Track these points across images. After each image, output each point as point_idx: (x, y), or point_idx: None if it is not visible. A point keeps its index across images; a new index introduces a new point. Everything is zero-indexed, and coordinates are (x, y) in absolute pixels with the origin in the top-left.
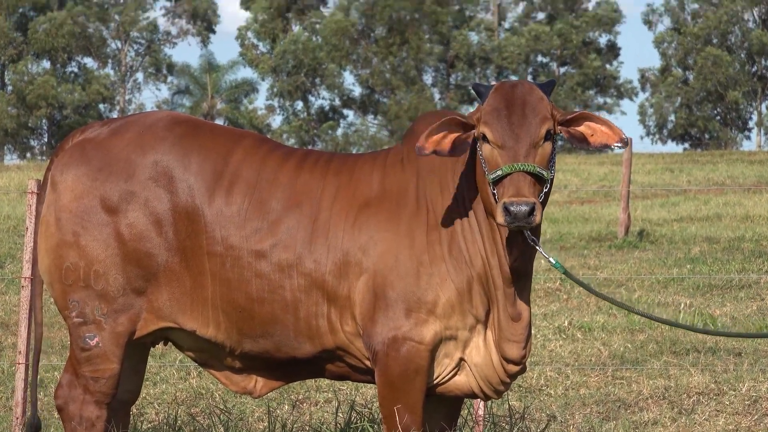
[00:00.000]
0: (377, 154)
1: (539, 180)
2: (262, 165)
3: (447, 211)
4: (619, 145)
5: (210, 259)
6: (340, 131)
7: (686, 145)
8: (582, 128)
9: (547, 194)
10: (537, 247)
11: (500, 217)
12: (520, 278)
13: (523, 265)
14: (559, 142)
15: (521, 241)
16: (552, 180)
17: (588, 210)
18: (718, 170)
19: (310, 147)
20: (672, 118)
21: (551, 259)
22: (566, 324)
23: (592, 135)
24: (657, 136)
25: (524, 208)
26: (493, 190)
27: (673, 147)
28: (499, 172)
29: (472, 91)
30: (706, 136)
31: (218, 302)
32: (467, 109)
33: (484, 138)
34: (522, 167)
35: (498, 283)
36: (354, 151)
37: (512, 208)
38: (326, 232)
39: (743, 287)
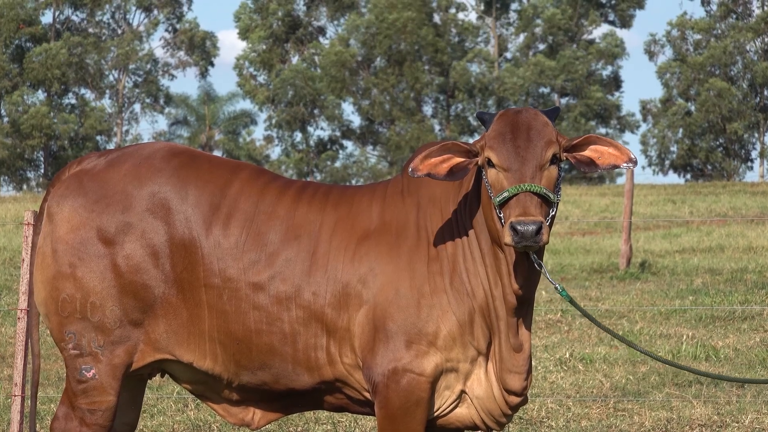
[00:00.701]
0: (377, 185)
1: (546, 202)
2: (260, 197)
3: (448, 242)
4: (628, 165)
5: (207, 291)
6: (339, 162)
7: (688, 176)
8: (588, 152)
9: (553, 218)
10: (542, 271)
11: (507, 237)
12: (523, 306)
13: (527, 292)
14: (563, 172)
15: (527, 267)
16: (557, 204)
17: (589, 241)
18: (721, 201)
19: (308, 178)
20: (674, 149)
21: (557, 285)
22: (567, 355)
23: (599, 158)
24: (659, 167)
25: (532, 228)
26: (500, 213)
27: (675, 178)
28: (506, 194)
29: (476, 121)
30: (709, 167)
31: (215, 334)
32: (467, 140)
33: (490, 163)
34: (528, 188)
35: (501, 313)
36: (353, 183)
37: (519, 227)
38: (325, 264)
39: (746, 319)
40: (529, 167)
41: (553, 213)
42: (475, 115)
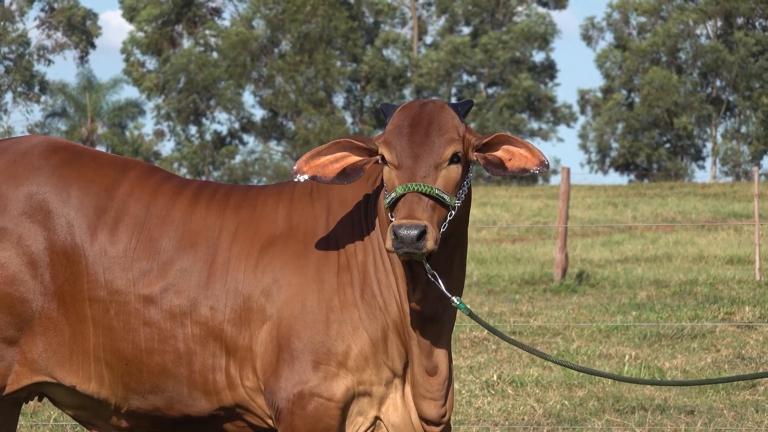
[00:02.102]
0: (283, 185)
1: (441, 204)
2: (152, 199)
3: (359, 249)
4: (539, 169)
5: (92, 305)
6: (239, 159)
7: (631, 176)
8: (500, 153)
9: (459, 224)
10: (436, 282)
11: (388, 242)
12: (435, 324)
13: (431, 307)
14: (471, 173)
15: (424, 278)
16: (467, 209)
17: (520, 249)
18: (668, 204)
19: (205, 178)
20: (615, 145)
21: (454, 299)
22: (495, 378)
23: (510, 159)
24: (598, 165)
25: (413, 232)
26: (392, 217)
27: (616, 178)
28: (393, 194)
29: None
30: (654, 166)
31: (101, 354)
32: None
33: (383, 159)
34: (416, 187)
35: (411, 332)
36: (256, 183)
37: (399, 231)
38: (224, 274)
39: (696, 336)
40: (422, 165)
41: (452, 217)
42: (379, 106)
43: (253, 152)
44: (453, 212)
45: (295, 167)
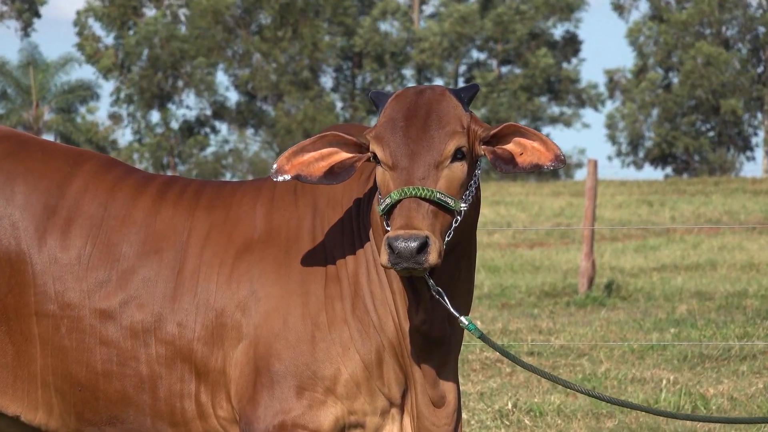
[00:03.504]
0: (262, 182)
1: (444, 210)
2: (110, 197)
3: (349, 257)
4: (553, 164)
5: (40, 322)
6: (210, 150)
7: (669, 170)
8: (510, 146)
9: (465, 232)
10: (442, 300)
11: (383, 257)
12: (440, 348)
13: (437, 329)
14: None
15: (428, 295)
16: (475, 212)
17: (539, 255)
18: (712, 203)
19: (170, 172)
20: (650, 134)
21: (462, 319)
22: (510, 406)
23: (521, 154)
24: (630, 157)
25: (412, 245)
26: (387, 225)
27: (651, 172)
28: (388, 200)
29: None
30: (695, 158)
31: (50, 378)
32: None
33: (375, 158)
34: (415, 191)
35: (413, 356)
36: (230, 178)
37: (396, 244)
38: (194, 285)
39: (745, 358)
40: (421, 165)
41: (457, 224)
42: (369, 95)
43: (227, 142)
44: (459, 218)
45: (275, 165)
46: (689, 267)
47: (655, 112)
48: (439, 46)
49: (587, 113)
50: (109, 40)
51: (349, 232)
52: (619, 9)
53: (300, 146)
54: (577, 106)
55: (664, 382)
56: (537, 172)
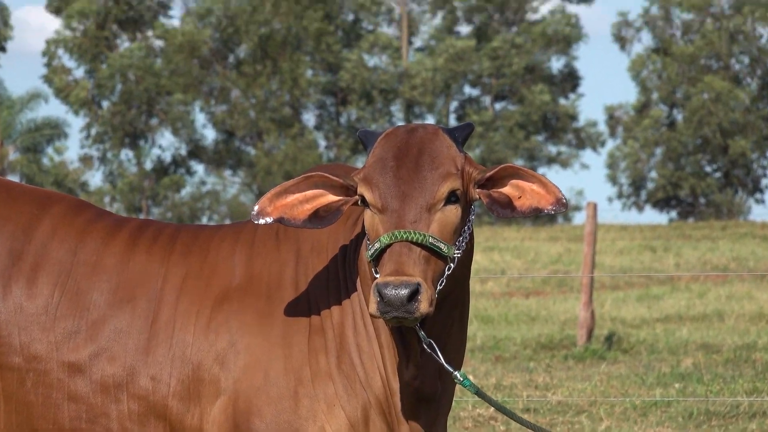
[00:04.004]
0: (241, 226)
1: (437, 256)
2: (80, 241)
3: (335, 308)
4: (555, 208)
5: (3, 375)
6: (186, 192)
7: (673, 213)
8: (507, 189)
9: (458, 280)
10: (434, 354)
11: (372, 305)
12: (428, 405)
13: (428, 384)
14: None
15: (419, 348)
16: (469, 260)
17: (535, 305)
18: (719, 249)
19: (144, 215)
20: (653, 175)
21: (457, 374)
22: None
23: (520, 197)
24: (632, 200)
25: (402, 292)
26: (376, 273)
27: (654, 216)
28: (377, 245)
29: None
30: (702, 200)
31: None
32: (364, 162)
33: (363, 201)
34: (406, 235)
35: (402, 415)
36: (207, 222)
37: (385, 291)
38: (169, 337)
39: (755, 415)
40: (412, 207)
41: (449, 272)
42: (357, 134)
43: (204, 183)
44: (452, 265)
45: (256, 207)
46: (695, 317)
47: (658, 151)
48: (431, 82)
49: (586, 153)
50: (79, 72)
51: (335, 281)
52: (621, 41)
53: (283, 187)
54: (576, 146)
55: None
56: (536, 216)
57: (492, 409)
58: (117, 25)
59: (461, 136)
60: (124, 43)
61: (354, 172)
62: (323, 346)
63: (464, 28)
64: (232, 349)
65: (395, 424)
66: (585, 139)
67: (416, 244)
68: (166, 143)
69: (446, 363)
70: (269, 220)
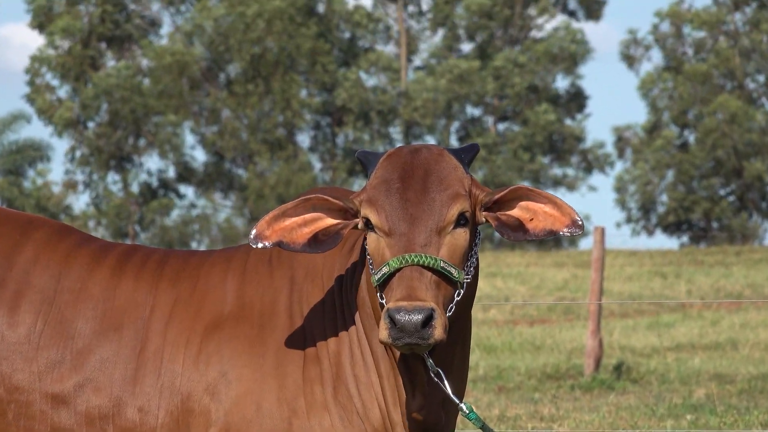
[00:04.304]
0: (233, 251)
1: (447, 281)
2: (64, 268)
3: (330, 336)
4: (570, 231)
5: None
6: (175, 215)
7: (685, 238)
8: (516, 212)
9: (464, 307)
10: (441, 383)
11: (383, 332)
12: None
13: (433, 415)
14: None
15: (425, 377)
16: (474, 285)
17: (540, 333)
18: (733, 275)
19: (131, 241)
20: (663, 198)
21: (463, 406)
22: None
23: (532, 220)
24: (642, 224)
25: (416, 318)
26: (381, 297)
27: (665, 241)
28: (386, 269)
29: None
30: (715, 225)
31: None
32: (361, 185)
33: (368, 224)
34: (417, 259)
35: None
36: (197, 247)
37: (398, 316)
38: (157, 366)
39: None
40: (422, 230)
41: (459, 298)
42: (356, 155)
43: (194, 207)
44: (461, 290)
45: (254, 231)
46: (707, 346)
47: (669, 173)
48: (432, 103)
49: (593, 175)
50: (63, 92)
51: (331, 309)
52: (629, 60)
53: (281, 210)
54: (583, 167)
55: None
56: (549, 239)
57: None
58: (103, 43)
59: (467, 157)
60: (110, 62)
61: (353, 195)
62: (318, 377)
63: (466, 46)
64: (223, 380)
65: None
66: (592, 161)
67: (427, 268)
68: (153, 166)
69: (453, 395)
70: (267, 244)
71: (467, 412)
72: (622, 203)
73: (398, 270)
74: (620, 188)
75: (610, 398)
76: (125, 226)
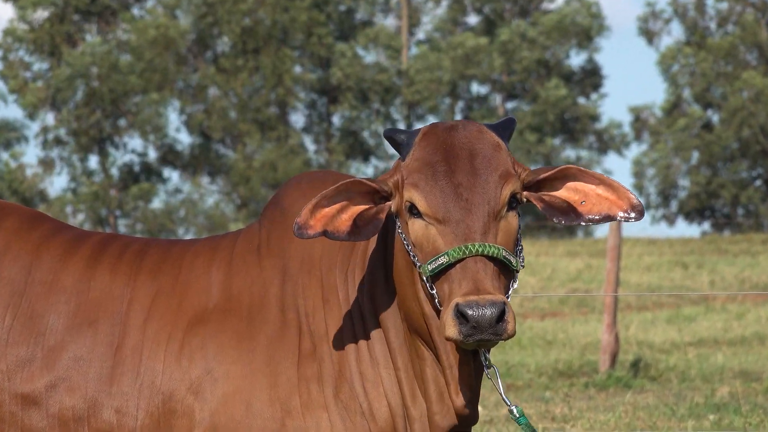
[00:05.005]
0: (219, 239)
1: (505, 270)
2: (35, 259)
3: (332, 331)
4: (628, 215)
5: None
6: (158, 201)
7: (707, 225)
8: (563, 192)
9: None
10: (496, 385)
11: (451, 329)
12: None
13: (471, 412)
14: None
15: (472, 371)
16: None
17: (552, 327)
18: (759, 265)
19: (110, 229)
20: (685, 182)
21: (513, 408)
22: None
23: (583, 203)
24: (661, 211)
25: (490, 312)
26: (431, 288)
27: (686, 229)
28: (444, 259)
29: (375, 138)
30: (740, 211)
31: None
32: (359, 169)
33: (412, 210)
34: (481, 249)
35: None
36: (181, 235)
37: (471, 312)
38: (136, 364)
39: None
40: (479, 217)
41: (514, 287)
42: (383, 134)
43: (178, 192)
44: (516, 280)
45: (299, 220)
46: (732, 341)
47: (693, 156)
48: (437, 83)
49: (609, 158)
50: (38, 69)
51: (333, 302)
52: (648, 35)
53: (317, 200)
54: (599, 150)
55: None
56: (606, 224)
57: None
58: (80, 16)
59: (506, 133)
60: (88, 37)
61: (384, 176)
62: (316, 375)
63: (472, 18)
64: (208, 377)
65: None
66: (608, 141)
67: (491, 258)
68: (136, 147)
69: (503, 395)
70: (314, 234)
71: (517, 415)
72: (639, 188)
73: (458, 261)
74: (638, 172)
75: (627, 397)
76: (104, 213)
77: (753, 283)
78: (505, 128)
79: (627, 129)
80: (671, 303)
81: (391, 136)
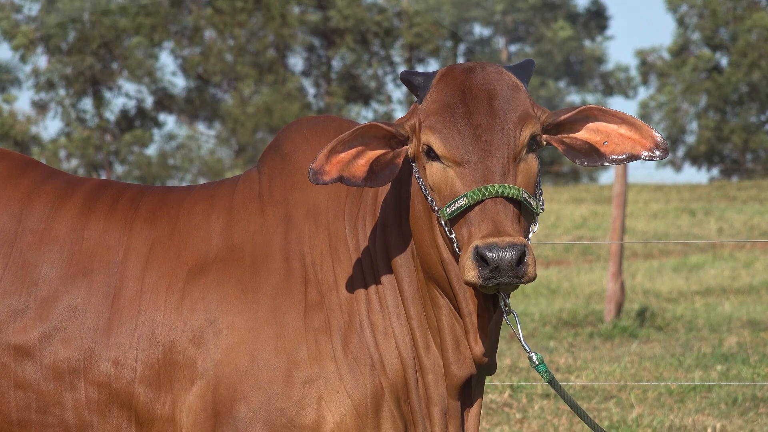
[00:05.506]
0: (218, 186)
1: (525, 213)
2: (25, 206)
3: (341, 280)
4: (652, 154)
5: None
6: (154, 147)
7: (715, 171)
8: (583, 134)
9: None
10: (516, 331)
11: (471, 272)
12: (467, 386)
13: (490, 361)
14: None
15: (492, 318)
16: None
17: (556, 276)
18: None
19: (105, 175)
20: (693, 126)
21: (532, 354)
22: None
23: (606, 143)
24: (668, 156)
25: (511, 254)
26: (450, 232)
27: (694, 174)
28: (463, 201)
29: (373, 81)
30: (749, 157)
31: None
32: (359, 113)
33: (430, 153)
34: (501, 190)
35: (434, 395)
36: (178, 182)
37: (491, 255)
38: (134, 315)
39: None
40: (498, 158)
41: (534, 231)
42: (399, 75)
43: (174, 138)
44: (536, 223)
45: (314, 165)
46: (740, 290)
47: (701, 100)
48: (439, 24)
49: (615, 101)
50: (30, 11)
51: (342, 250)
52: None
53: (336, 141)
54: (605, 93)
55: (709, 430)
56: (629, 163)
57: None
58: None
59: (525, 75)
60: None
61: (401, 119)
62: (324, 325)
63: None
64: (211, 328)
65: (418, 409)
66: (614, 86)
67: (510, 199)
68: (130, 91)
69: (524, 342)
70: (330, 179)
71: (537, 363)
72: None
73: (478, 203)
74: (645, 116)
75: (633, 347)
76: (99, 158)
77: (762, 231)
78: (524, 69)
79: (633, 72)
80: (678, 251)
81: (408, 78)
